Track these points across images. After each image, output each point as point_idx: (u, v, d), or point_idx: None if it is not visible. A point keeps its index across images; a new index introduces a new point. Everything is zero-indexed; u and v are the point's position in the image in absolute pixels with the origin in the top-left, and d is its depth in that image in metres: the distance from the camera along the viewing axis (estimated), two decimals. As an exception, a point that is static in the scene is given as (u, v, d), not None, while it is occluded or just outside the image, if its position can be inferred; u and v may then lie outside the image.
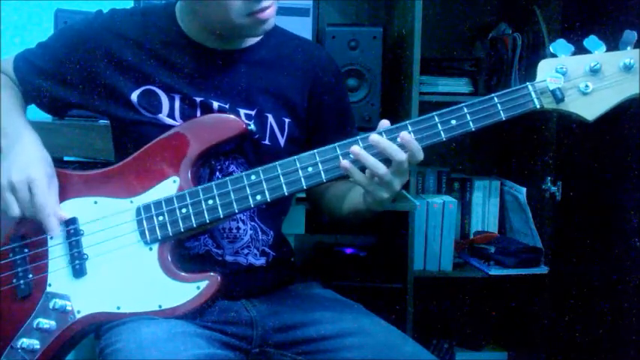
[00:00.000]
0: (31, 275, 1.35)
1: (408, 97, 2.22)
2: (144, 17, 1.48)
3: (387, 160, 1.27)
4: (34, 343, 1.32)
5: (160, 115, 1.43)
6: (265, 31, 1.41)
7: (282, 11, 2.16)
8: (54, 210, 1.35)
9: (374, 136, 1.28)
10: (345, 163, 1.28)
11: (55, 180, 1.38)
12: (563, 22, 2.31)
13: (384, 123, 1.30)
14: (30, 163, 1.35)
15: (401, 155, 1.26)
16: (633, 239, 1.97)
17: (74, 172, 1.43)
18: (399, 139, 1.27)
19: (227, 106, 1.44)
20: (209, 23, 1.39)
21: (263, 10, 1.34)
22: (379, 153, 1.27)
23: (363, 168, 1.28)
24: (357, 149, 1.28)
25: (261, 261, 1.49)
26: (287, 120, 1.49)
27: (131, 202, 1.37)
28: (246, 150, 1.45)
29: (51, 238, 1.36)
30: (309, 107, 1.52)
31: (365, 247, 2.51)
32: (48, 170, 1.36)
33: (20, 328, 1.33)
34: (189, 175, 1.37)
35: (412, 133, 1.29)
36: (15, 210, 1.34)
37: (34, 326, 1.33)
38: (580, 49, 1.30)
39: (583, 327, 2.21)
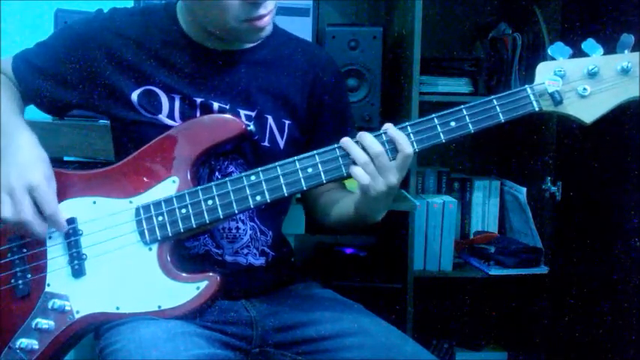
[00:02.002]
0: (29, 275, 1.35)
1: (408, 97, 2.22)
2: (144, 17, 1.48)
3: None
4: (33, 343, 1.32)
5: (160, 116, 1.43)
6: (261, 38, 1.41)
7: (282, 11, 2.18)
8: (61, 216, 1.33)
9: (361, 133, 1.31)
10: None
11: (54, 181, 1.36)
12: (563, 22, 2.31)
13: (387, 126, 1.31)
14: (29, 165, 1.33)
15: (376, 147, 1.28)
16: (633, 239, 1.97)
17: (73, 172, 1.42)
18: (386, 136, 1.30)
19: (227, 107, 1.44)
20: (208, 25, 1.39)
21: (260, 17, 1.34)
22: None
23: None
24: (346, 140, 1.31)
25: (260, 261, 1.49)
26: (287, 122, 1.49)
27: (130, 202, 1.36)
28: (246, 151, 1.45)
29: (50, 237, 1.36)
30: (309, 107, 1.52)
31: (365, 247, 2.51)
32: (47, 172, 1.34)
33: (19, 328, 1.33)
34: (189, 175, 1.37)
35: (412, 135, 1.29)
36: (8, 212, 1.30)
37: (33, 326, 1.32)
38: (578, 51, 1.30)
39: (583, 327, 2.21)
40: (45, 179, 1.33)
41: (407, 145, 1.28)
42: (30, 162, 1.33)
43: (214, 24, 1.37)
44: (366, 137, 1.29)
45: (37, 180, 1.32)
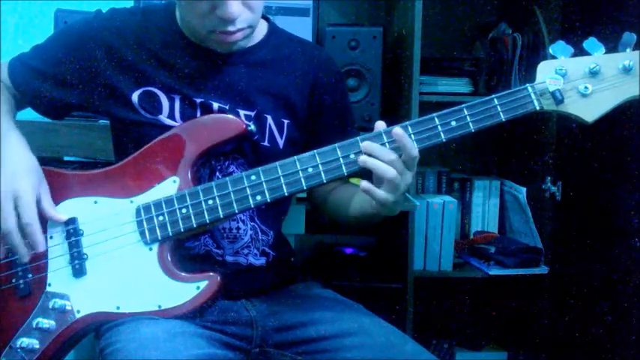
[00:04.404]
0: (30, 275, 1.35)
1: (408, 97, 2.22)
2: (144, 17, 1.48)
3: None
4: (34, 343, 1.32)
5: (161, 116, 1.43)
6: (233, 50, 1.42)
7: (282, 11, 2.19)
8: (38, 227, 1.33)
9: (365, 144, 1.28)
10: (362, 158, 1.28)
11: (45, 184, 1.37)
12: (563, 22, 2.31)
13: (380, 125, 1.30)
14: (15, 173, 1.33)
15: (390, 156, 1.25)
16: (633, 239, 1.97)
17: (74, 172, 1.43)
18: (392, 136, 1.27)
19: (227, 107, 1.44)
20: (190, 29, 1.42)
21: (228, 33, 1.35)
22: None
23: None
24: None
25: (261, 261, 1.49)
26: (286, 121, 1.49)
27: (131, 202, 1.37)
28: (246, 151, 1.45)
29: (51, 237, 1.36)
30: (309, 107, 1.52)
31: (365, 247, 2.51)
32: (34, 179, 1.34)
33: (20, 327, 1.33)
34: (189, 175, 1.37)
35: (412, 135, 1.29)
36: None
37: (34, 326, 1.33)
38: (580, 50, 1.30)
39: (583, 327, 2.21)
40: (31, 188, 1.33)
41: (412, 149, 1.27)
42: (17, 171, 1.33)
43: (191, 30, 1.41)
44: (374, 146, 1.27)
45: (23, 190, 1.32)
